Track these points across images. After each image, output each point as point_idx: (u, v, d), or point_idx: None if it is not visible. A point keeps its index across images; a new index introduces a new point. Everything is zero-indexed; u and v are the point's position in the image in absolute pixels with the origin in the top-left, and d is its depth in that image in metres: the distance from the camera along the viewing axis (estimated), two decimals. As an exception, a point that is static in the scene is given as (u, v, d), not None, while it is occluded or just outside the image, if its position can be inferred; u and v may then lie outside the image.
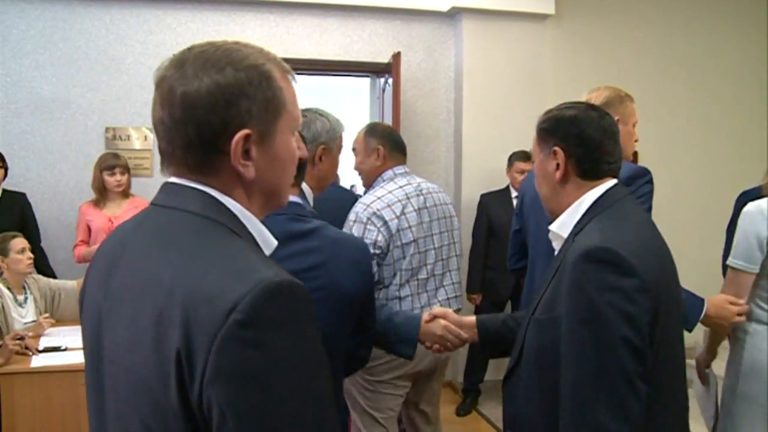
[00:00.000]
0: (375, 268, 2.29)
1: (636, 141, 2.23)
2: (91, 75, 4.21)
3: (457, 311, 2.39)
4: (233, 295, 0.71)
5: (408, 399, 2.55)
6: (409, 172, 2.54)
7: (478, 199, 4.31)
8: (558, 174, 1.40)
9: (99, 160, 3.83)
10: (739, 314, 2.02)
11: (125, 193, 3.84)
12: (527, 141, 5.10)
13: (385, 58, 4.53)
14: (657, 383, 1.23)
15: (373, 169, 2.48)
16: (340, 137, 1.93)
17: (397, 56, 4.27)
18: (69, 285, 3.35)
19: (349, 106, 5.35)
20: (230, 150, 0.83)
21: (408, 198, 2.41)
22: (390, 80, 4.40)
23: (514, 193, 4.10)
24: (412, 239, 2.38)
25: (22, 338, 2.78)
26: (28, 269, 3.16)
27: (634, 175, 1.99)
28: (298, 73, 4.32)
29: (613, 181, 1.39)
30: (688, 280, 1.84)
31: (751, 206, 2.05)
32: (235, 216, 0.85)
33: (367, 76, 4.97)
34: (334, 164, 1.94)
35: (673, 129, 5.02)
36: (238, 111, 0.82)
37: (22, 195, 3.85)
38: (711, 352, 2.26)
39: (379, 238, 2.32)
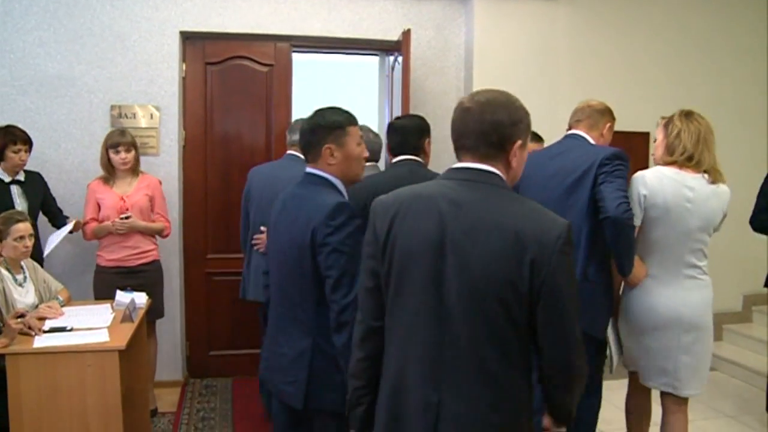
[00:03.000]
0: None
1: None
2: (96, 52, 4.15)
3: None
4: (557, 228, 1.40)
5: None
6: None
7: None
8: None
9: (105, 137, 3.76)
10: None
11: (134, 171, 3.77)
12: (539, 121, 4.96)
13: (394, 35, 4.45)
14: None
15: None
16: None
17: (406, 34, 4.19)
18: (54, 287, 3.26)
19: (357, 84, 5.26)
20: (510, 149, 1.50)
21: None
22: (399, 58, 4.31)
23: (524, 174, 4.06)
24: None
25: (22, 315, 2.76)
26: (23, 257, 3.08)
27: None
28: (306, 51, 4.26)
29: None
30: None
31: (637, 174, 2.67)
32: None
33: (376, 54, 4.89)
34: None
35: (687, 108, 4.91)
36: (520, 128, 1.51)
37: (39, 174, 3.84)
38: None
39: None
